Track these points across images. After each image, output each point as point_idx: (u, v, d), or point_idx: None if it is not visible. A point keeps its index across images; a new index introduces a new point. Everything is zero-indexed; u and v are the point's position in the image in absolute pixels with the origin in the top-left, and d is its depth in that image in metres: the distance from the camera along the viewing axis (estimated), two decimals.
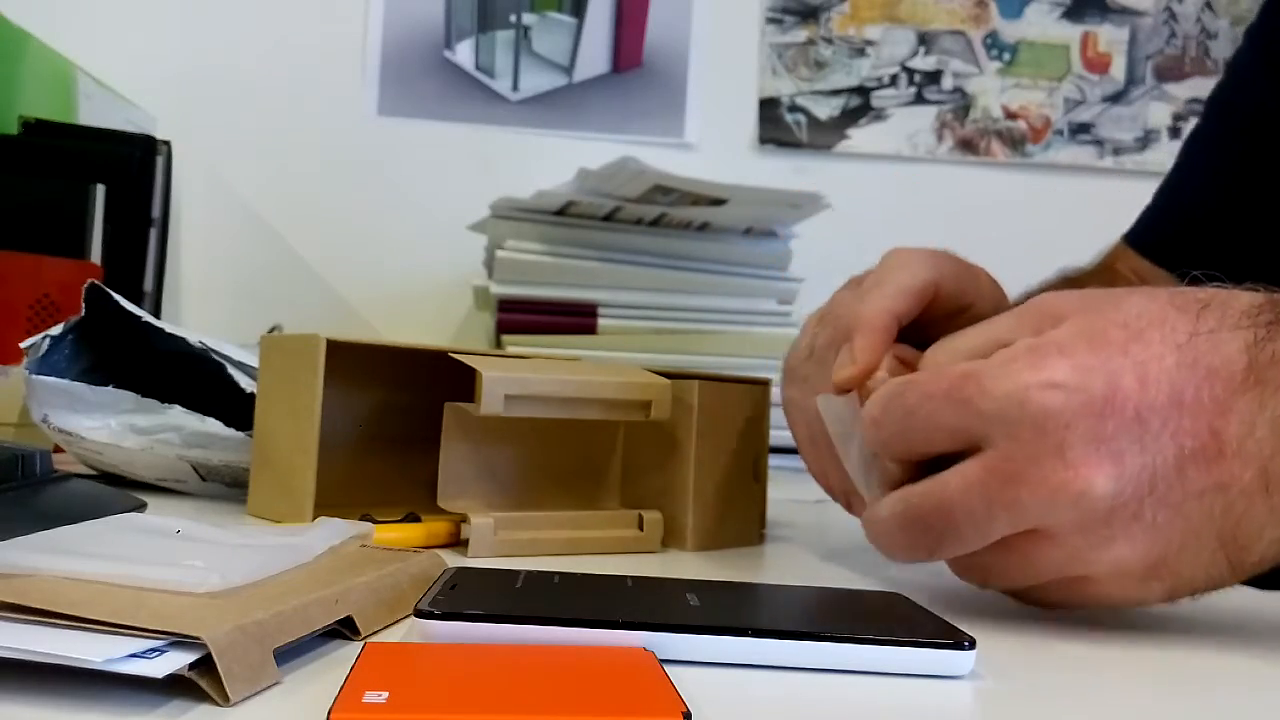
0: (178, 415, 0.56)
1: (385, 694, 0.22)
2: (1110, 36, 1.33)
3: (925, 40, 1.32)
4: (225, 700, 0.23)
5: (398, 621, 0.31)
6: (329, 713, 0.21)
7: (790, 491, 0.68)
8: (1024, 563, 0.34)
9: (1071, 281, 0.70)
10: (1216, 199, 0.71)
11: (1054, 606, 0.37)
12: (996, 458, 0.33)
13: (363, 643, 0.29)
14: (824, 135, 1.30)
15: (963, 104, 1.32)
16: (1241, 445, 0.32)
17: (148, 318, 0.59)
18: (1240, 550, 0.33)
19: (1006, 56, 1.32)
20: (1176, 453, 0.32)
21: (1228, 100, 0.73)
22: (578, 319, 0.93)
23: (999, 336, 0.36)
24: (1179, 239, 0.72)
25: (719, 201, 0.90)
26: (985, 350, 0.35)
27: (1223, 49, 1.33)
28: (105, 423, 0.56)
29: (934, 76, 1.32)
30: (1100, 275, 0.73)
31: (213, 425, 0.56)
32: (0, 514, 0.37)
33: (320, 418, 0.46)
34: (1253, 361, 0.32)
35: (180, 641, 0.23)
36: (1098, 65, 1.33)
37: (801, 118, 1.30)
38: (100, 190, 0.87)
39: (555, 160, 1.07)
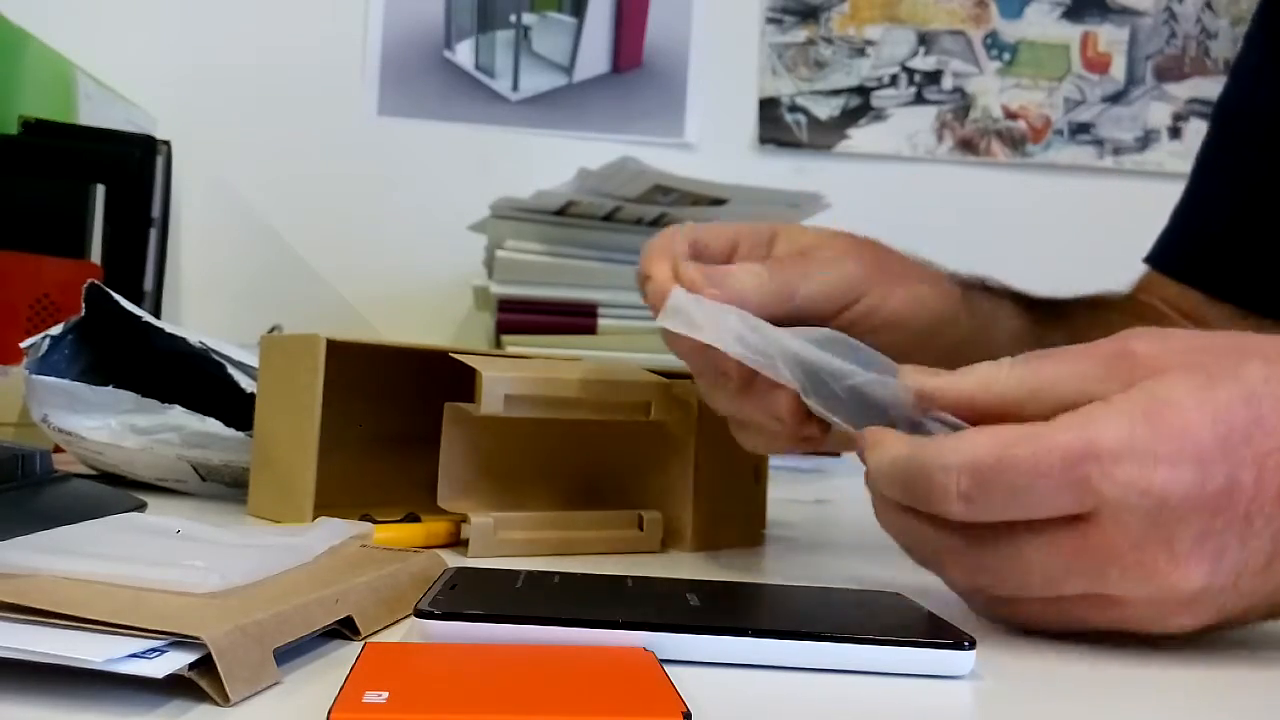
0: (178, 415, 0.56)
1: (385, 694, 0.22)
2: (1110, 36, 1.33)
3: (925, 40, 1.32)
4: (225, 700, 0.23)
5: (398, 621, 0.31)
6: (329, 713, 0.21)
7: (790, 491, 0.68)
8: (1072, 616, 0.33)
9: (1103, 308, 0.66)
10: (1236, 208, 0.70)
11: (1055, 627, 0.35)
12: (1098, 535, 0.31)
13: (363, 643, 0.29)
14: (824, 135, 1.30)
15: (963, 104, 1.32)
16: None
17: (148, 318, 0.59)
18: None
19: (1006, 56, 1.32)
20: (1271, 551, 0.32)
21: (1235, 108, 0.73)
22: (578, 319, 0.93)
23: (1087, 389, 0.33)
24: (1204, 254, 0.70)
25: (719, 201, 0.90)
26: (1075, 400, 0.33)
27: (1223, 49, 1.33)
28: (105, 423, 0.56)
29: (934, 76, 1.32)
30: (1130, 309, 0.69)
31: (213, 425, 0.56)
32: (0, 514, 0.37)
33: (320, 418, 0.46)
34: None
35: (180, 641, 0.23)
36: (1098, 65, 1.33)
37: (801, 118, 1.30)
38: (100, 190, 0.87)
39: (555, 160, 1.07)
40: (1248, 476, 0.31)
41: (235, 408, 0.56)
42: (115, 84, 1.09)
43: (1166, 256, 0.72)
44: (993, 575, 0.34)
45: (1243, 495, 0.31)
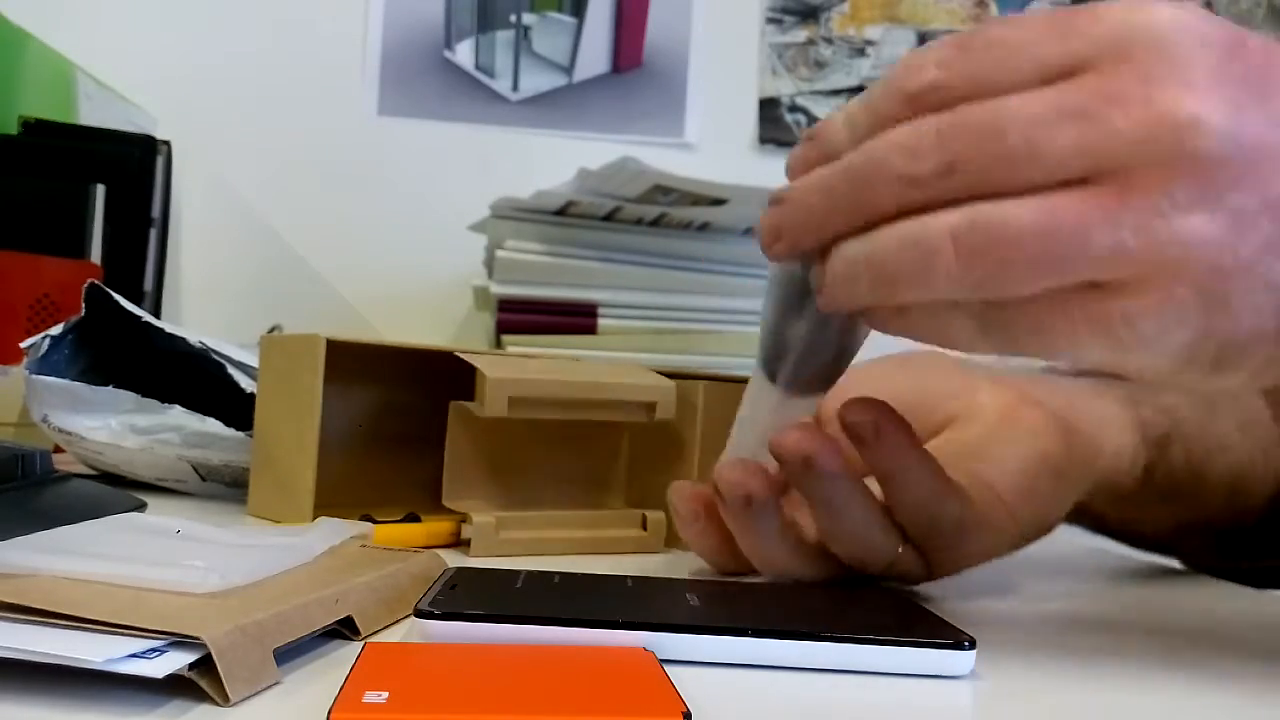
0: (178, 415, 0.56)
1: (385, 694, 0.22)
2: None
3: (925, 40, 1.32)
4: (225, 700, 0.23)
5: (398, 621, 0.31)
6: (329, 713, 0.21)
7: None
8: (1061, 227, 0.27)
9: None
10: None
11: (1025, 344, 0.29)
12: (1095, 77, 0.27)
13: (363, 643, 0.29)
14: None
15: None
16: None
17: (148, 318, 0.59)
18: None
19: None
20: None
21: None
22: (578, 319, 0.93)
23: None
24: None
25: (719, 201, 0.90)
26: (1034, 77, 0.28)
27: None
28: (105, 423, 0.56)
29: None
30: None
31: (213, 425, 0.56)
32: (0, 514, 0.37)
33: (320, 418, 0.46)
34: None
35: (180, 641, 0.23)
36: None
37: (801, 118, 1.30)
38: (100, 190, 0.87)
39: (555, 160, 1.07)
40: (1255, 40, 0.27)
41: (235, 408, 0.56)
42: (115, 84, 1.09)
43: None
44: (954, 154, 0.28)
45: (1259, 47, 0.27)
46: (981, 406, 0.44)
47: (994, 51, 0.28)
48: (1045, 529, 0.43)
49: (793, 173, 0.33)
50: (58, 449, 0.57)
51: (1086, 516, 0.50)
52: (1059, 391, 0.46)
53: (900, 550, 0.38)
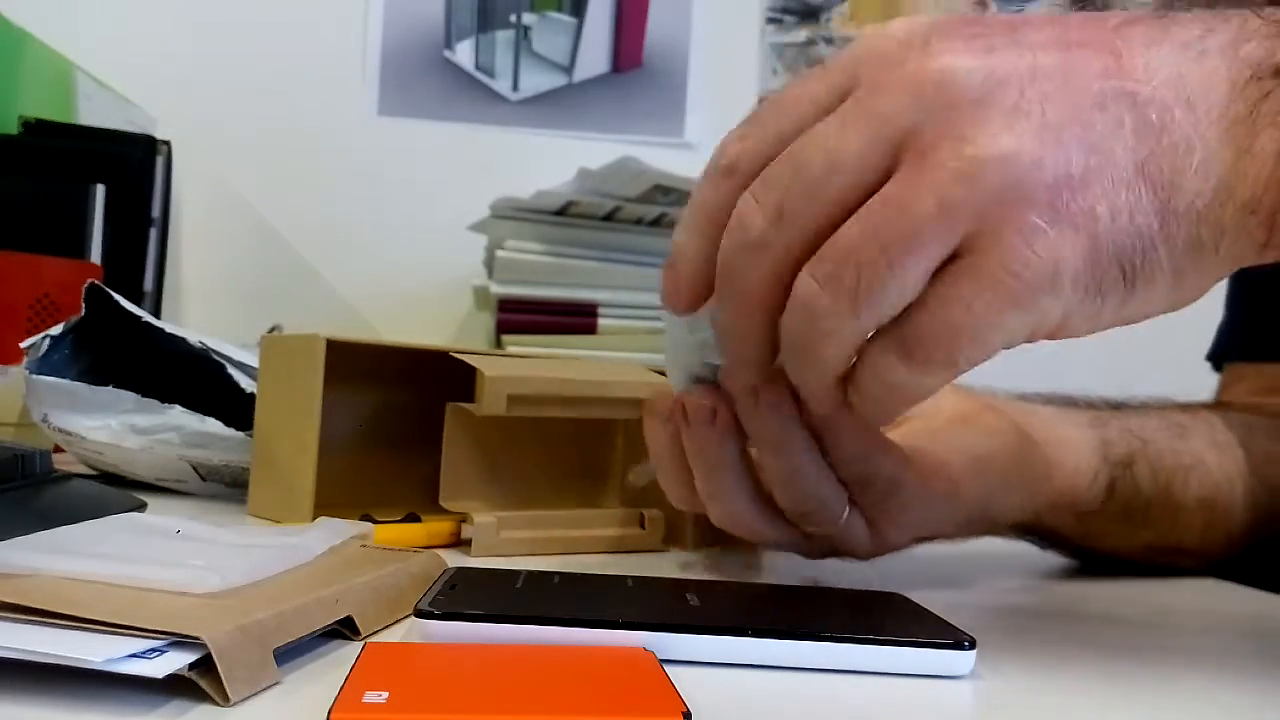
0: (178, 415, 0.56)
1: (385, 694, 0.22)
2: None
3: None
4: (225, 700, 0.23)
5: (398, 621, 0.31)
6: (329, 713, 0.21)
7: None
8: (894, 214, 0.28)
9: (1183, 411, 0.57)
10: None
11: (948, 350, 0.29)
12: (859, 89, 0.29)
13: (363, 643, 0.29)
14: None
15: None
16: (1146, 58, 0.28)
17: (148, 318, 0.59)
18: (1167, 186, 0.28)
19: None
20: (1062, 54, 0.28)
21: None
22: (578, 319, 0.93)
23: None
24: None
25: None
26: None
27: None
28: (105, 423, 0.56)
29: None
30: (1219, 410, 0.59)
31: (213, 425, 0.56)
32: (0, 514, 0.37)
33: (320, 418, 0.46)
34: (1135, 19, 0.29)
35: (180, 641, 0.23)
36: None
37: None
38: (100, 190, 0.87)
39: (555, 160, 1.07)
40: (997, 16, 0.30)
41: (235, 408, 0.56)
42: (115, 84, 1.09)
43: (1247, 344, 0.65)
44: (775, 191, 0.30)
45: (996, 18, 0.29)
46: (941, 408, 0.45)
47: (776, 109, 0.31)
48: (992, 521, 0.44)
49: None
50: (58, 449, 0.57)
51: (1044, 532, 0.50)
52: (1023, 409, 0.48)
53: (846, 515, 0.39)
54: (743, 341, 0.33)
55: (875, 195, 0.28)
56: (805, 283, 0.30)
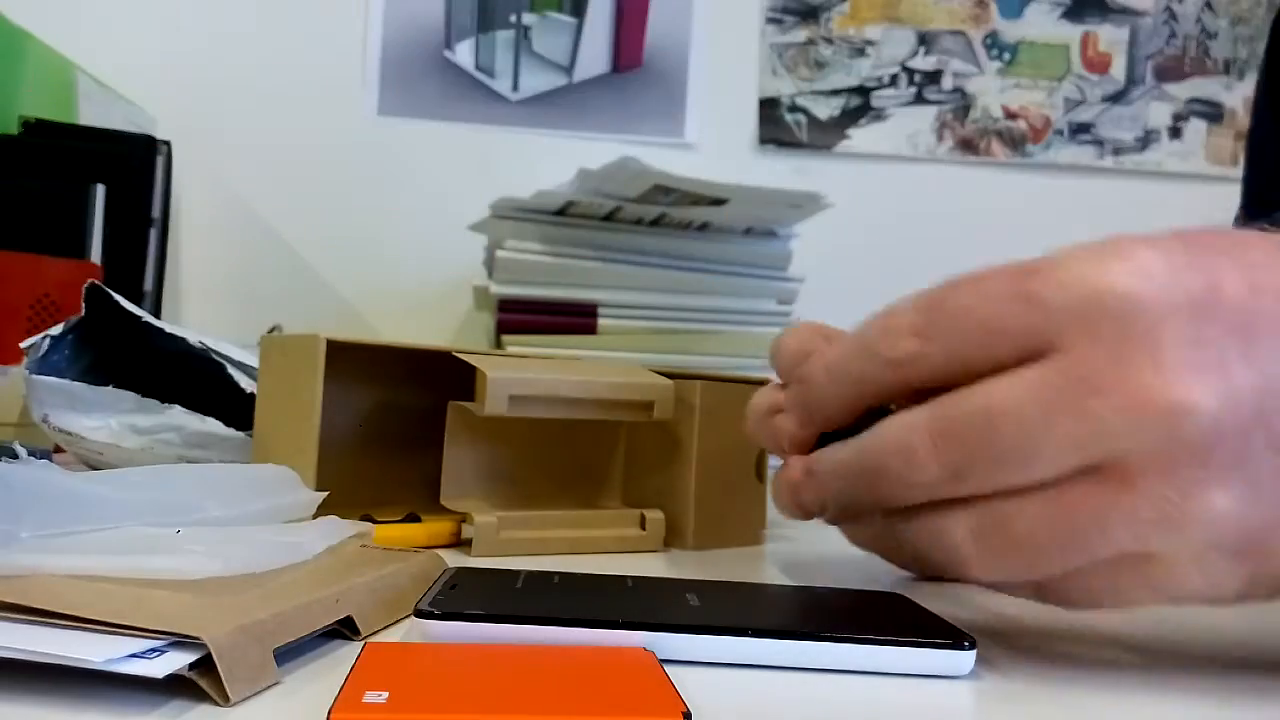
0: (178, 415, 0.56)
1: (385, 694, 0.22)
2: (1110, 36, 1.33)
3: (925, 40, 1.32)
4: (225, 700, 0.23)
5: (398, 621, 0.31)
6: (329, 713, 0.21)
7: None
8: (1076, 521, 0.27)
9: None
10: None
11: (1085, 606, 0.30)
12: (1066, 360, 0.26)
13: (363, 643, 0.29)
14: (824, 135, 1.30)
15: (963, 104, 1.32)
16: None
17: (148, 318, 0.59)
18: None
19: (1006, 56, 1.32)
20: None
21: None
22: (578, 319, 0.93)
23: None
24: None
25: (719, 201, 0.90)
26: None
27: (1223, 49, 1.33)
28: (105, 423, 0.56)
29: (934, 76, 1.32)
30: None
31: (213, 425, 0.56)
32: None
33: (320, 418, 0.46)
34: None
35: (180, 641, 0.23)
36: (1098, 65, 1.33)
37: (801, 118, 1.30)
38: (100, 190, 0.87)
39: (555, 160, 1.07)
40: (1233, 280, 0.26)
41: (235, 408, 0.56)
42: (115, 84, 1.09)
43: (1267, 197, 0.62)
44: (961, 457, 0.28)
45: (1232, 300, 0.26)
46: None
47: (962, 323, 0.28)
48: None
49: (755, 411, 0.37)
50: (58, 449, 0.57)
51: None
52: None
53: None
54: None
55: (1068, 491, 0.27)
56: (962, 535, 0.29)
